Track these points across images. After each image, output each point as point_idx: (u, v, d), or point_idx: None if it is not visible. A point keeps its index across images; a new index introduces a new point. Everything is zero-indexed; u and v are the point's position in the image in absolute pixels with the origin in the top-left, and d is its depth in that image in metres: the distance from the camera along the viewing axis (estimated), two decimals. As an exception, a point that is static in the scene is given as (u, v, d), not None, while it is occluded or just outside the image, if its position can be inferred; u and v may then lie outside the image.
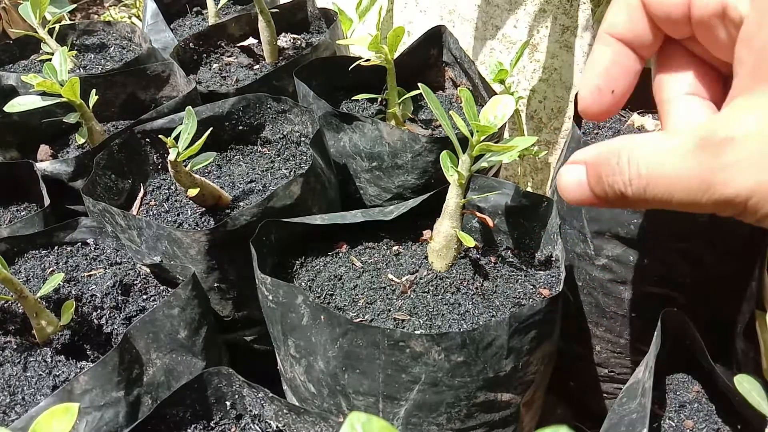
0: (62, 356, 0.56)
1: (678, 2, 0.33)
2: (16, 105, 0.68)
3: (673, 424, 0.52)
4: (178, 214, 0.68)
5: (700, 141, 0.28)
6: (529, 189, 1.12)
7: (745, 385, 0.46)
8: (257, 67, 0.96)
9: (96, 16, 1.72)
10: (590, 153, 0.33)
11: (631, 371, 0.67)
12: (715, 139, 0.28)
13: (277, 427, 0.51)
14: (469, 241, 0.53)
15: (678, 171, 0.29)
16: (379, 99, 0.82)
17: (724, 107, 0.30)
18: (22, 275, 0.63)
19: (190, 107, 0.61)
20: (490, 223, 0.58)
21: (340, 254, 0.61)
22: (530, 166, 1.10)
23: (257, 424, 0.52)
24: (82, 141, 0.76)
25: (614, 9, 0.37)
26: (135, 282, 0.62)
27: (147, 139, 0.74)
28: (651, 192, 0.30)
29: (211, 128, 0.66)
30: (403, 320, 0.52)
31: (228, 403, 0.53)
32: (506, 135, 0.99)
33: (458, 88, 0.72)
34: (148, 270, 0.64)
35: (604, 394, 0.72)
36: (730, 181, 0.27)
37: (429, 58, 0.87)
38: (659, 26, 0.36)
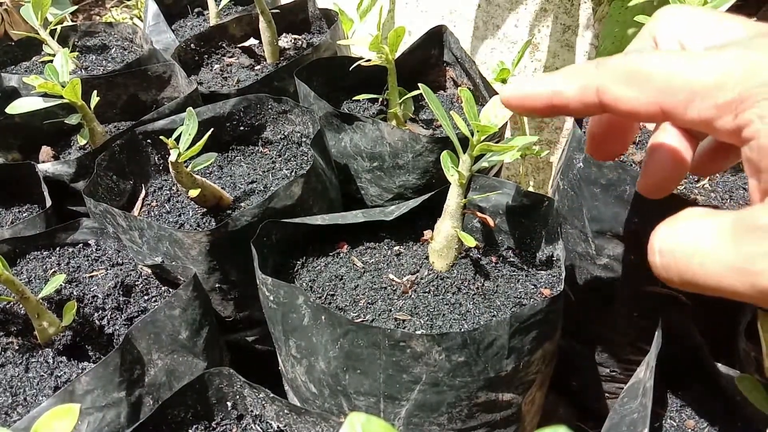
0: (64, 357, 0.56)
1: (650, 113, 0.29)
2: (18, 106, 0.69)
3: (675, 424, 0.52)
4: (180, 215, 0.68)
5: (741, 225, 0.25)
6: (531, 188, 1.12)
7: (747, 384, 0.46)
8: (258, 67, 0.96)
9: (97, 18, 1.72)
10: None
11: (633, 371, 0.67)
12: (757, 224, 0.24)
13: (278, 427, 0.51)
14: (470, 241, 0.53)
15: (713, 252, 0.25)
16: (380, 99, 0.82)
17: None
18: (24, 276, 0.63)
19: (191, 108, 0.61)
20: (491, 222, 0.58)
21: (341, 254, 0.61)
22: (532, 165, 1.10)
23: (258, 425, 0.52)
24: (83, 142, 0.76)
25: (564, 75, 0.32)
26: (136, 283, 0.63)
27: (148, 140, 0.74)
28: (678, 272, 0.27)
29: (212, 129, 0.66)
30: (404, 320, 0.52)
31: (229, 403, 0.53)
32: (508, 134, 0.99)
33: (459, 88, 0.72)
34: (150, 271, 0.64)
35: (606, 394, 0.72)
36: None
37: (430, 58, 0.87)
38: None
